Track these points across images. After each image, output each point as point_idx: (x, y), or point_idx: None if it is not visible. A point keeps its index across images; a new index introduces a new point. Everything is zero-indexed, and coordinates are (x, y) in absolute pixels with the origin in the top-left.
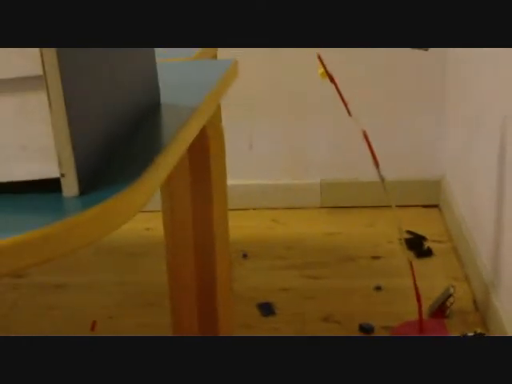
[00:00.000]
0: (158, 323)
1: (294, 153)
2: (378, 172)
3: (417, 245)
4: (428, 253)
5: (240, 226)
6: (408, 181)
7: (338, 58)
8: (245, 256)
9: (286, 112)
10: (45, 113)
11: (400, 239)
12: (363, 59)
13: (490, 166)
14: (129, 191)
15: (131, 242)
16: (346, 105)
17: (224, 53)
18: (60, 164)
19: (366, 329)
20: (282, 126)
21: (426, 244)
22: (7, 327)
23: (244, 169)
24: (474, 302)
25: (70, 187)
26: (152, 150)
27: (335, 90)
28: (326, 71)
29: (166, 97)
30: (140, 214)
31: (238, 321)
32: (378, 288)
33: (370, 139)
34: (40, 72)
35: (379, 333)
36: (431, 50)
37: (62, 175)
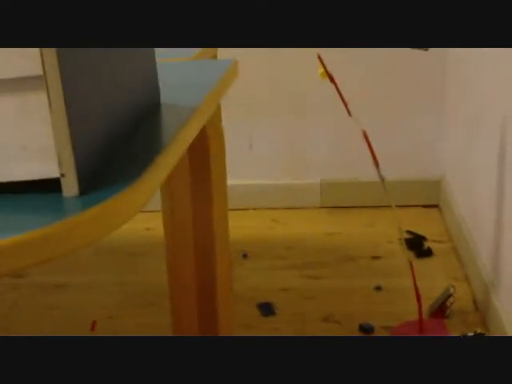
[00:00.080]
0: (158, 323)
1: (293, 153)
2: (378, 172)
3: (417, 245)
4: (428, 253)
5: (240, 226)
6: (408, 181)
7: (338, 58)
8: (245, 256)
9: (286, 112)
10: (45, 113)
11: (400, 239)
12: (363, 59)
13: (490, 165)
14: (129, 191)
15: (131, 242)
16: (345, 105)
17: (224, 53)
18: (60, 164)
19: (366, 329)
20: (281, 126)
21: (426, 244)
22: (7, 327)
23: (244, 169)
24: (474, 301)
25: (70, 187)
26: (152, 150)
27: (335, 90)
28: (326, 71)
29: (166, 97)
30: (140, 214)
31: (238, 321)
32: (378, 288)
33: (370, 139)
34: (40, 72)
35: (379, 333)
36: (431, 49)
37: (62, 175)
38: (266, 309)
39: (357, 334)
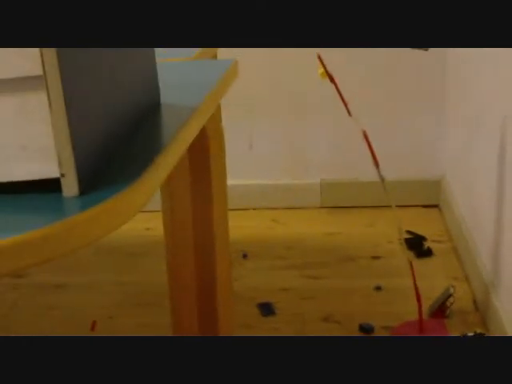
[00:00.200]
0: (157, 323)
1: (293, 153)
2: (378, 172)
3: (417, 245)
4: (428, 253)
5: (240, 226)
6: (408, 181)
7: (338, 58)
8: (245, 256)
9: (286, 112)
10: (45, 113)
11: (400, 239)
12: (363, 59)
13: (489, 165)
14: (129, 191)
15: (131, 242)
16: (345, 105)
17: (224, 53)
18: (60, 164)
19: (365, 329)
20: (281, 126)
21: (426, 244)
22: (7, 327)
23: (244, 169)
24: (474, 302)
25: (70, 187)
26: (152, 150)
27: (335, 90)
28: (326, 71)
29: (166, 97)
30: (140, 214)
31: (237, 321)
32: (378, 288)
33: (370, 139)
34: (40, 72)
35: (379, 333)
36: (431, 50)
37: (62, 175)
38: (266, 309)
39: (357, 334)
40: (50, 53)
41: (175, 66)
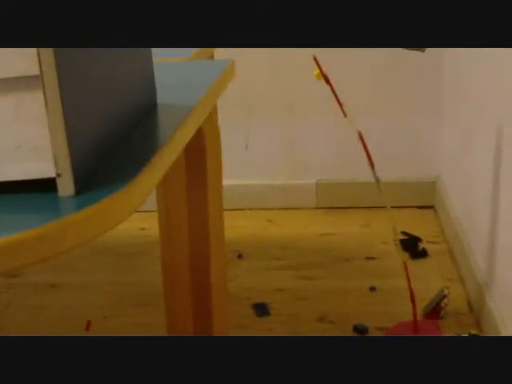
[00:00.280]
0: (152, 323)
1: (289, 153)
2: (374, 173)
3: (412, 246)
4: (423, 254)
5: (235, 226)
6: (403, 182)
7: (334, 58)
8: (240, 256)
9: (282, 113)
10: (41, 112)
11: (395, 240)
12: (360, 60)
13: (485, 167)
14: (124, 191)
15: (126, 241)
16: (341, 106)
17: (221, 52)
18: (56, 164)
19: (360, 329)
20: (277, 127)
21: (421, 245)
22: (1, 327)
23: (240, 169)
24: (469, 303)
25: (66, 187)
26: (148, 150)
27: (331, 91)
28: (322, 72)
29: (162, 97)
30: (135, 214)
31: (232, 321)
32: (373, 289)
33: (366, 140)
34: (37, 72)
35: (373, 333)
36: (427, 50)
37: (58, 175)
38: (261, 309)
39: (351, 334)
40: (47, 53)
41: (172, 66)
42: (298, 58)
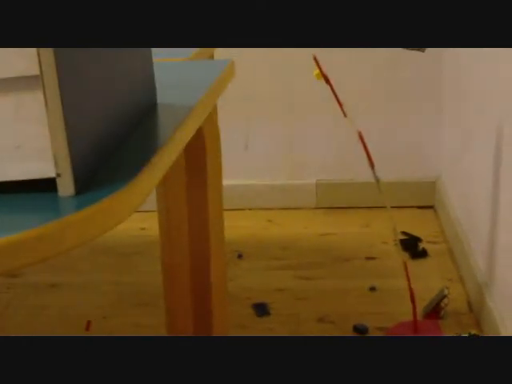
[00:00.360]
0: (152, 323)
1: (289, 153)
2: (374, 173)
3: (412, 246)
4: (423, 254)
5: (235, 226)
6: (403, 182)
7: (335, 58)
8: (240, 256)
9: (282, 113)
10: (41, 112)
11: (395, 240)
12: (360, 60)
13: (485, 167)
14: (125, 191)
15: (126, 241)
16: (341, 106)
17: (221, 52)
18: (56, 164)
19: (360, 329)
20: (277, 127)
21: (421, 245)
22: (1, 327)
23: (240, 169)
24: (469, 303)
25: (66, 187)
26: (148, 150)
27: (331, 91)
28: (322, 72)
29: (162, 97)
30: (135, 214)
31: (232, 321)
32: (373, 289)
33: (366, 140)
34: (37, 72)
35: (373, 334)
36: (427, 50)
37: (58, 175)
38: (261, 309)
39: (351, 334)
40: (47, 53)
41: (172, 66)
42: (297, 58)
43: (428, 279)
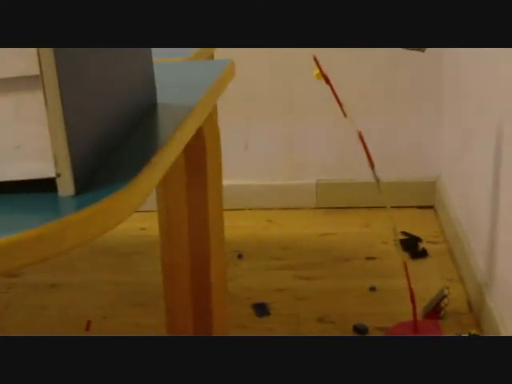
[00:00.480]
0: (152, 323)
1: (289, 153)
2: (373, 173)
3: (412, 246)
4: (423, 254)
5: (235, 226)
6: (403, 182)
7: (335, 58)
8: (240, 256)
9: (282, 113)
10: (41, 112)
11: (395, 240)
12: (360, 60)
13: (485, 167)
14: (125, 191)
15: (126, 241)
16: (341, 106)
17: (221, 52)
18: (56, 164)
19: (360, 329)
20: (277, 127)
21: (421, 245)
22: (1, 327)
23: (239, 169)
24: (469, 303)
25: (66, 187)
26: (148, 150)
27: (331, 91)
28: (322, 72)
29: (162, 97)
30: (135, 214)
31: (232, 321)
32: (373, 289)
33: (366, 140)
34: (37, 72)
35: (373, 334)
36: (427, 50)
37: (58, 175)
38: (261, 309)
39: (351, 334)
40: (47, 53)
41: (172, 66)
42: (297, 58)
43: (428, 279)
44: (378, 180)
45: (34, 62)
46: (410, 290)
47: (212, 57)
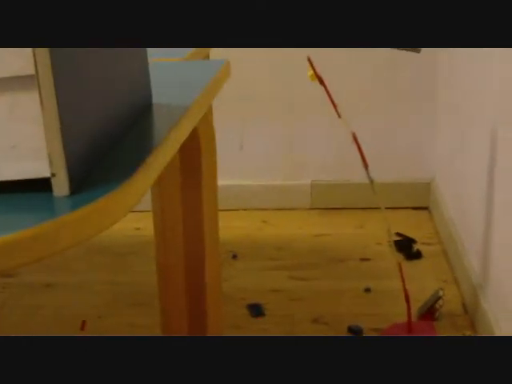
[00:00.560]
0: (147, 323)
1: (284, 154)
2: (367, 174)
3: (406, 247)
4: (417, 255)
5: (230, 227)
6: (398, 183)
7: (333, 58)
8: (234, 257)
9: (277, 113)
10: (36, 112)
11: (389, 241)
12: (360, 60)
13: (479, 168)
14: (120, 191)
15: (121, 241)
16: (335, 107)
17: (220, 52)
18: (51, 164)
19: (354, 330)
20: (272, 127)
21: (416, 246)
22: None
23: (234, 169)
24: (463, 304)
25: (61, 187)
26: (143, 150)
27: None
28: (316, 73)
29: (157, 97)
30: (130, 214)
31: (227, 321)
32: (368, 290)
33: (361, 141)
34: (32, 71)
35: (368, 335)
36: (422, 51)
37: (53, 175)
38: (256, 310)
39: (345, 335)
40: (43, 52)
41: (167, 66)
42: (294, 58)
43: (422, 280)
44: (372, 181)
45: (30, 61)
46: (405, 291)
47: (207, 57)
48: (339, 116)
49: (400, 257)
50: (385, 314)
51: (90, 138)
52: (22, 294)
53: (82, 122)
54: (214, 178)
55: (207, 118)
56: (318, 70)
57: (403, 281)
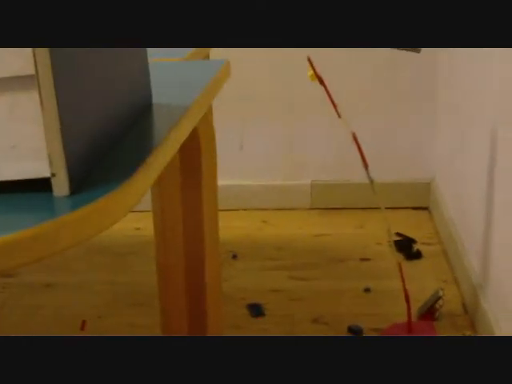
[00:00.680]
0: (147, 323)
1: (284, 154)
2: (367, 174)
3: (406, 247)
4: (417, 255)
5: (230, 227)
6: (398, 183)
7: (333, 58)
8: (234, 257)
9: (277, 113)
10: (36, 112)
11: (389, 241)
12: (360, 60)
13: (479, 168)
14: (120, 191)
15: (121, 241)
16: (335, 107)
17: (220, 52)
18: (51, 164)
19: (354, 330)
20: (272, 127)
21: (416, 246)
22: None
23: (234, 169)
24: (463, 304)
25: (61, 187)
26: (143, 151)
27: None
28: (316, 73)
29: (157, 97)
30: (130, 214)
31: (227, 321)
32: (368, 290)
33: (361, 141)
34: (32, 71)
35: (368, 335)
36: (422, 51)
37: (53, 175)
38: (256, 310)
39: (345, 335)
40: (43, 52)
41: (167, 66)
42: (294, 58)
43: (422, 280)
44: (372, 181)
45: (30, 61)
46: (405, 291)
47: (207, 57)
48: (339, 116)
49: (400, 257)
50: (385, 314)
51: (90, 138)
52: (22, 294)
53: (82, 122)
54: (214, 178)
55: (207, 118)
56: (318, 70)
57: (403, 281)
